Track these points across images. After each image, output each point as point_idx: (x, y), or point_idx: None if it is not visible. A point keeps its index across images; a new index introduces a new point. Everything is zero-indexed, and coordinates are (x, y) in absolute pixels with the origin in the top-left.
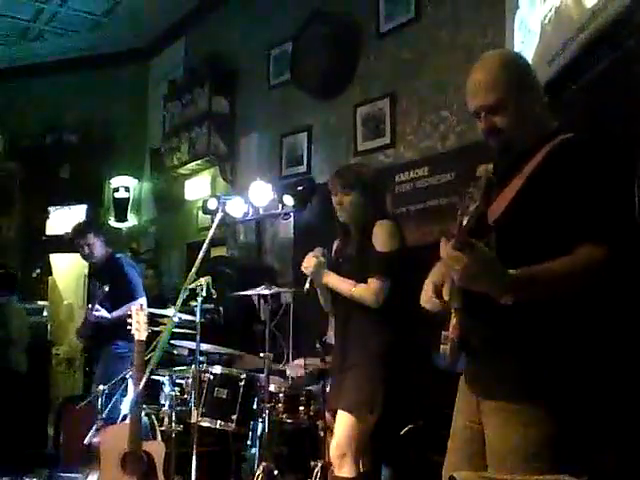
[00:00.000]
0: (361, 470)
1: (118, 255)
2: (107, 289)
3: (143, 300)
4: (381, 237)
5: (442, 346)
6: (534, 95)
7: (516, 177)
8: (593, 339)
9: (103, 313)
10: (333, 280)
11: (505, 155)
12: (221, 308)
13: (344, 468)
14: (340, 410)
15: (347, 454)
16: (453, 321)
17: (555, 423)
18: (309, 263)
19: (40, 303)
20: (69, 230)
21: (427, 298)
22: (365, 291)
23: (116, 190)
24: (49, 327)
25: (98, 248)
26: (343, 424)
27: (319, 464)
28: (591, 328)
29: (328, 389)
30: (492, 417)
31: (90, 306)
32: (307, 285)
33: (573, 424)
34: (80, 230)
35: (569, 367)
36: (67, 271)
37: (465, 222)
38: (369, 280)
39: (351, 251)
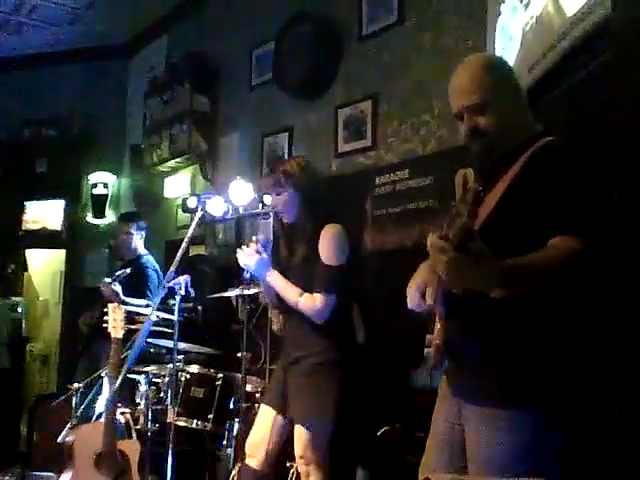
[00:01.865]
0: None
1: (147, 257)
2: (129, 271)
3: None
4: (327, 248)
5: (426, 349)
6: (517, 98)
7: (499, 181)
8: (580, 345)
9: (119, 289)
10: (278, 283)
11: (486, 158)
12: (199, 307)
13: (313, 476)
14: (297, 423)
15: (311, 464)
16: (437, 325)
17: (539, 430)
18: (249, 259)
19: (15, 299)
20: (45, 225)
21: (412, 297)
22: (310, 304)
23: (94, 186)
24: (24, 323)
25: (134, 242)
26: (303, 437)
27: (295, 465)
28: (577, 334)
29: (273, 385)
30: (475, 422)
31: (108, 280)
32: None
33: (558, 431)
34: (127, 216)
35: (555, 374)
36: (43, 267)
37: (451, 236)
38: (314, 295)
39: (297, 259)
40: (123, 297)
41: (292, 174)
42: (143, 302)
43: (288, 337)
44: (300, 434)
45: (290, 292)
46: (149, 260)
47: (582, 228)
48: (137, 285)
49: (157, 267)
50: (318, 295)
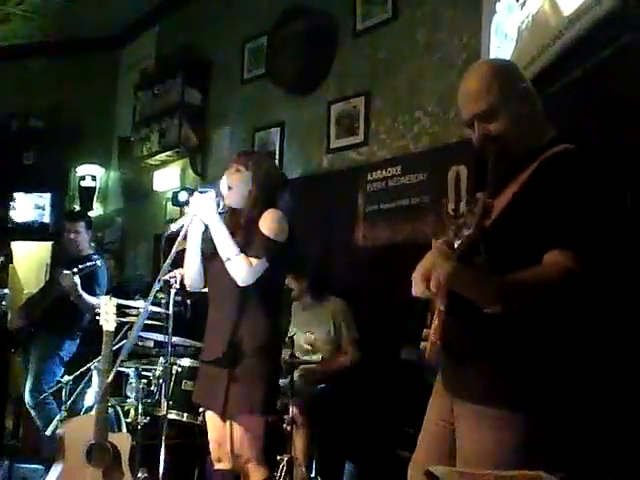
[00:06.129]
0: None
1: (97, 257)
2: (98, 264)
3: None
4: (269, 223)
5: (422, 343)
6: (529, 103)
7: (509, 188)
8: (572, 346)
9: (78, 281)
10: (220, 230)
11: (501, 161)
12: (188, 301)
13: (253, 474)
14: (228, 419)
15: (249, 463)
16: (435, 321)
17: (530, 429)
18: (200, 202)
19: (0, 291)
20: (33, 218)
21: (417, 284)
22: (244, 263)
23: (82, 178)
24: (9, 315)
25: (83, 240)
26: (236, 433)
27: (285, 458)
28: (570, 336)
29: (201, 383)
30: (466, 419)
31: (67, 272)
32: (175, 225)
33: (548, 430)
34: (74, 215)
35: (547, 374)
36: (28, 260)
37: (457, 246)
38: (249, 257)
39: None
40: (81, 291)
41: (259, 159)
42: (96, 300)
43: (213, 328)
44: (232, 431)
45: (229, 244)
46: (98, 260)
47: (580, 245)
48: (87, 285)
49: (105, 265)
50: (252, 259)
